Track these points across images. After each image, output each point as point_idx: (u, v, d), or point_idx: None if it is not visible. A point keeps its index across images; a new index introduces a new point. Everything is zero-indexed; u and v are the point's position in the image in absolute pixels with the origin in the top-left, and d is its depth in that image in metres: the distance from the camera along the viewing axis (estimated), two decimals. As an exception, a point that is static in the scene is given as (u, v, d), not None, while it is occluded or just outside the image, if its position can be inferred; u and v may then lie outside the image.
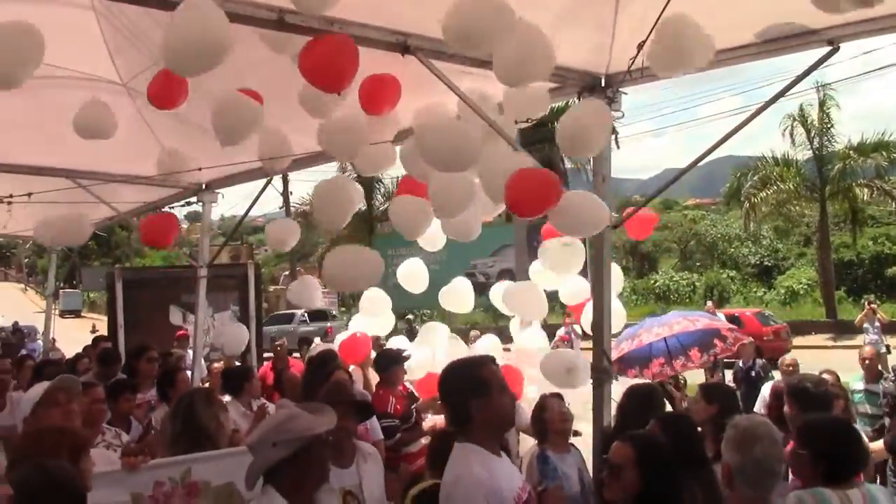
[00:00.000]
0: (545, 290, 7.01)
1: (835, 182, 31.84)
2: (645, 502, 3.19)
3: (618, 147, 6.08)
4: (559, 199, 4.21)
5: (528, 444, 5.76)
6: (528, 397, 6.52)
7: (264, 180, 8.60)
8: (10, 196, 7.84)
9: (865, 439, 4.05)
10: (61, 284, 61.84)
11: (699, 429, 4.48)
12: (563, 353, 6.84)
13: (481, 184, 5.09)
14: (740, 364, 11.73)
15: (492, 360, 3.38)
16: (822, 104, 31.18)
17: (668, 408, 6.42)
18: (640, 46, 3.79)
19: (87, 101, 5.52)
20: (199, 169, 6.88)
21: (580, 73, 4.99)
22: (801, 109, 31.63)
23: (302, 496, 3.16)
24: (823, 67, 4.46)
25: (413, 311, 30.44)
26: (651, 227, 7.00)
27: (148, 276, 16.57)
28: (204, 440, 4.24)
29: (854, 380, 8.42)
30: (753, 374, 11.16)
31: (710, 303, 24.78)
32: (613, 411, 5.08)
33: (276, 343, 11.10)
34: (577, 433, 5.38)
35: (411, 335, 13.73)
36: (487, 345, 8.13)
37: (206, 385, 8.61)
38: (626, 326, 8.64)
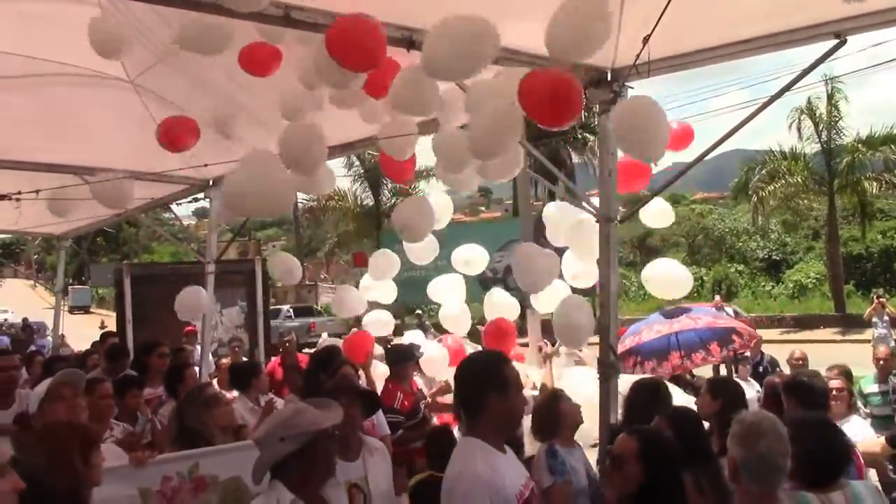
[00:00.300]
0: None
1: (843, 175, 31.68)
2: (646, 495, 3.19)
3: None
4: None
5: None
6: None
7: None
8: (19, 193, 7.88)
9: (849, 439, 3.99)
10: (70, 281, 62.02)
11: (706, 424, 4.49)
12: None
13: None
14: (748, 357, 11.60)
15: (508, 358, 3.40)
16: (830, 97, 31.02)
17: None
18: (646, 40, 3.79)
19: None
20: (206, 165, 6.89)
21: (586, 67, 4.97)
22: (809, 103, 31.51)
23: (309, 490, 3.19)
24: (831, 60, 4.44)
25: (421, 307, 30.49)
26: (645, 178, 6.30)
27: (156, 272, 16.57)
28: (198, 442, 4.26)
29: (866, 382, 8.32)
30: (761, 369, 11.10)
31: (717, 297, 24.73)
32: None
33: (285, 338, 11.14)
34: None
35: (423, 330, 13.76)
36: None
37: (215, 380, 8.65)
38: (633, 322, 8.63)
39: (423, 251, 7.21)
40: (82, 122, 6.84)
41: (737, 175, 38.52)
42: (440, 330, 10.71)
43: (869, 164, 31.76)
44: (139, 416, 6.07)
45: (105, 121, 6.89)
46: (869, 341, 18.11)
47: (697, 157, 5.02)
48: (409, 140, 5.71)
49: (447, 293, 8.09)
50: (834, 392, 6.63)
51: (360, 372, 7.66)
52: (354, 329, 8.64)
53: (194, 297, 8.12)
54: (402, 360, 7.00)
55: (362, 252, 37.79)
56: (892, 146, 30.94)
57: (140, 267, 22.37)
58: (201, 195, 9.82)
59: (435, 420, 6.92)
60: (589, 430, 5.28)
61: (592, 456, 5.16)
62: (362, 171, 39.84)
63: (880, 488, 6.50)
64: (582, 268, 7.19)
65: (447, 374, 7.18)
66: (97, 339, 11.51)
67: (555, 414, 4.87)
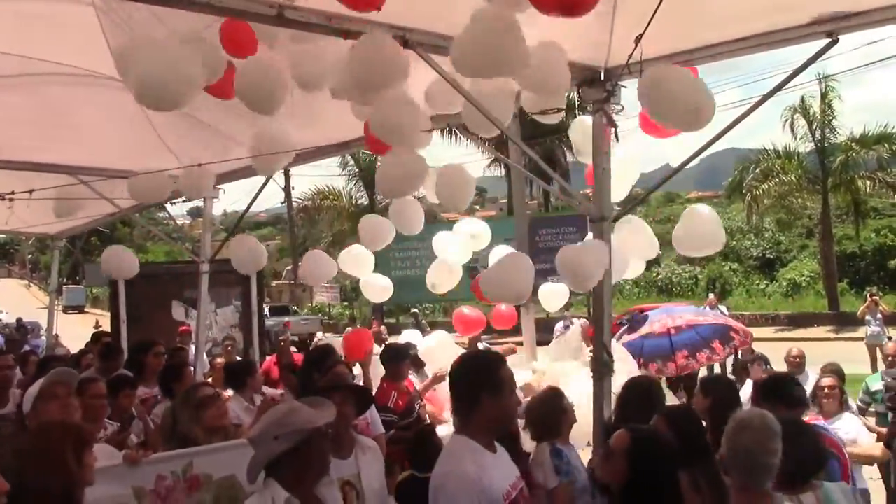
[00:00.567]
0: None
1: (837, 174, 31.84)
2: (630, 490, 3.23)
3: (617, 140, 6.04)
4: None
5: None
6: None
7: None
8: (13, 192, 7.87)
9: (821, 442, 4.00)
10: (64, 280, 61.95)
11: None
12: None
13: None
14: (739, 356, 11.66)
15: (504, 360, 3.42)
16: (823, 96, 31.15)
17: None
18: (638, 40, 3.80)
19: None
20: (200, 165, 6.89)
21: (579, 67, 4.98)
22: (803, 101, 31.63)
23: (303, 488, 3.20)
24: (825, 59, 4.46)
25: (416, 305, 30.55)
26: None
27: (150, 272, 16.56)
28: (187, 443, 4.26)
29: (873, 380, 8.34)
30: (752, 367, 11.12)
31: (711, 295, 24.76)
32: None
33: (280, 338, 11.17)
34: None
35: (419, 329, 13.78)
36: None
37: (210, 380, 8.65)
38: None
39: (409, 219, 6.92)
40: (76, 121, 6.82)
41: (731, 174, 38.63)
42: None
43: (862, 163, 31.93)
44: (133, 417, 6.07)
45: (99, 120, 6.87)
46: (863, 339, 18.21)
47: (691, 156, 5.04)
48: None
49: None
50: (826, 390, 6.70)
51: (358, 370, 7.72)
52: (317, 335, 8.69)
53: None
54: (396, 358, 7.00)
55: (357, 251, 37.95)
56: (886, 145, 31.11)
57: (134, 266, 22.28)
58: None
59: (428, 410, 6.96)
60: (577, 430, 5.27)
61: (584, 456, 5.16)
62: (357, 170, 39.85)
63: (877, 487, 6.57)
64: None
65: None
66: (90, 337, 11.48)
67: (558, 412, 4.88)
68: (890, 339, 17.49)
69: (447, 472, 3.09)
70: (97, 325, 28.63)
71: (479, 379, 3.21)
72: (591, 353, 5.48)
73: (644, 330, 8.93)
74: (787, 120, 32.16)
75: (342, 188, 41.47)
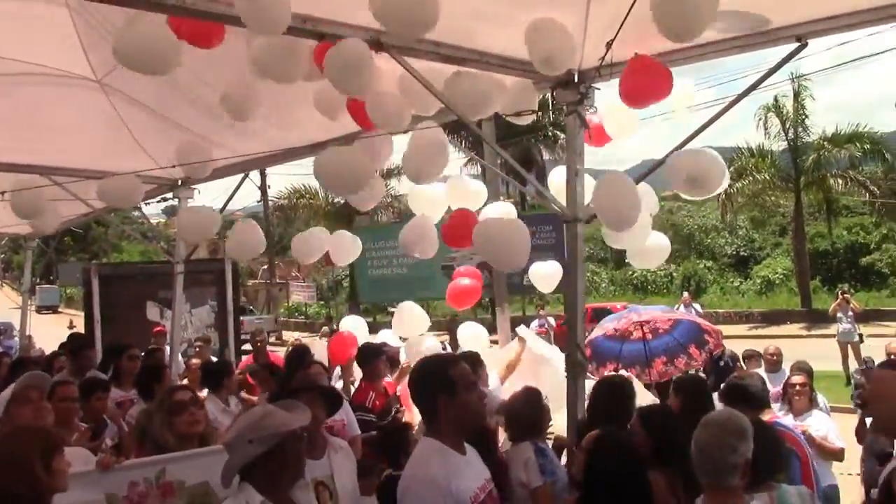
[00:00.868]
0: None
1: (809, 173, 32.18)
2: (589, 488, 3.39)
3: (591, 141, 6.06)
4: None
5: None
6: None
7: (241, 175, 8.59)
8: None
9: (781, 443, 4.05)
10: (37, 280, 61.28)
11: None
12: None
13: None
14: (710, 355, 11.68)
15: (470, 357, 3.45)
16: (796, 95, 31.50)
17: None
18: (609, 45, 3.84)
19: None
20: (174, 166, 6.86)
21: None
22: (776, 101, 31.95)
23: (278, 492, 3.19)
24: (797, 59, 4.53)
25: (393, 305, 30.49)
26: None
27: (124, 273, 16.50)
28: (162, 449, 4.24)
29: None
30: (722, 363, 11.20)
31: (685, 293, 24.97)
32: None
33: (257, 338, 11.12)
34: None
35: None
36: (470, 333, 8.11)
37: (185, 381, 8.61)
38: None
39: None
40: (49, 122, 6.76)
41: (705, 172, 38.80)
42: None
43: (834, 162, 32.31)
44: (107, 421, 6.02)
45: (73, 121, 6.82)
46: (835, 336, 18.43)
47: (665, 156, 5.08)
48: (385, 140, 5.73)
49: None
50: (797, 388, 6.82)
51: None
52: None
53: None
54: (371, 357, 7.00)
55: (334, 250, 37.82)
56: (857, 144, 31.52)
57: (108, 267, 22.19)
58: (170, 195, 9.72)
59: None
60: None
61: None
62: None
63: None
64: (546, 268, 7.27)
65: None
66: (65, 339, 11.38)
67: (540, 412, 4.90)
68: (861, 336, 17.78)
69: (413, 474, 3.12)
70: (71, 326, 28.35)
71: (433, 382, 3.25)
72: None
73: (608, 325, 8.99)
74: (760, 119, 32.51)
75: (319, 187, 41.30)
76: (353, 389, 7.27)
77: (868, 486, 6.09)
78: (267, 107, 5.38)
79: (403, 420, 6.74)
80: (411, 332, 7.94)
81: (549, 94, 5.44)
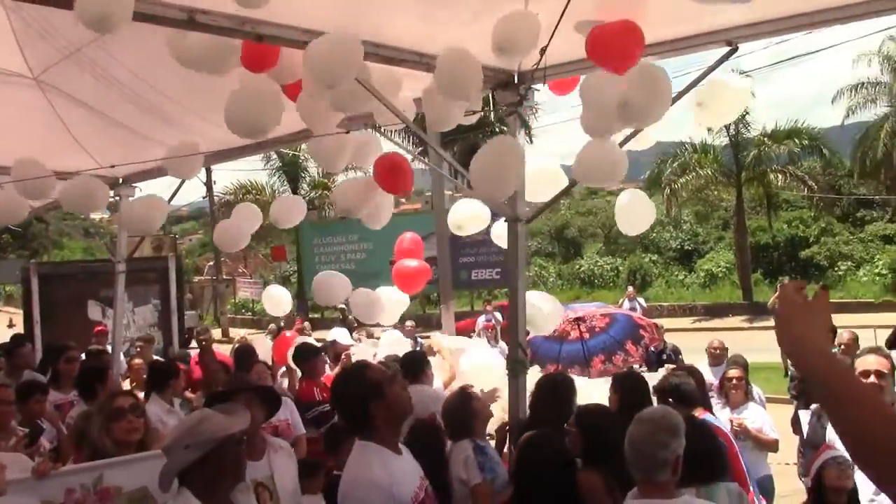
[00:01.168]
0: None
1: (750, 168, 32.85)
2: (517, 487, 3.65)
3: (530, 142, 6.07)
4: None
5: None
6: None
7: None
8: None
9: (720, 441, 4.18)
10: (-26, 278, 59.53)
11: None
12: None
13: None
14: (651, 349, 11.88)
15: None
16: (737, 92, 32.05)
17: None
18: (543, 51, 3.90)
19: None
20: (113, 166, 6.77)
21: (494, 70, 5.07)
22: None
23: (217, 496, 3.18)
24: (736, 58, 4.65)
25: (345, 301, 30.25)
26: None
27: (65, 271, 16.13)
28: (100, 454, 4.20)
29: None
30: (665, 357, 11.43)
31: (630, 287, 25.30)
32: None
33: (202, 337, 10.98)
34: None
35: (345, 325, 13.73)
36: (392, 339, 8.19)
37: (126, 381, 8.50)
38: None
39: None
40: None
41: (650, 167, 39.48)
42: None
43: (774, 157, 33.01)
44: (44, 425, 5.91)
45: (10, 119, 6.67)
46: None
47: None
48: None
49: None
50: (734, 381, 7.00)
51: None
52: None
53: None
54: (308, 357, 7.07)
55: (281, 246, 37.38)
56: (796, 140, 32.26)
57: (49, 265, 21.74)
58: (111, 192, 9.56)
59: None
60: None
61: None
62: (280, 164, 39.35)
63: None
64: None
65: None
66: (6, 340, 11.12)
67: (469, 414, 4.90)
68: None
69: (354, 478, 3.14)
70: (11, 324, 27.68)
71: (359, 391, 3.29)
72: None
73: None
74: (702, 115, 33.01)
75: (265, 182, 40.91)
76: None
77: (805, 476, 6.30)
78: (207, 104, 5.34)
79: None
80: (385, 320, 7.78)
81: (490, 95, 5.51)
